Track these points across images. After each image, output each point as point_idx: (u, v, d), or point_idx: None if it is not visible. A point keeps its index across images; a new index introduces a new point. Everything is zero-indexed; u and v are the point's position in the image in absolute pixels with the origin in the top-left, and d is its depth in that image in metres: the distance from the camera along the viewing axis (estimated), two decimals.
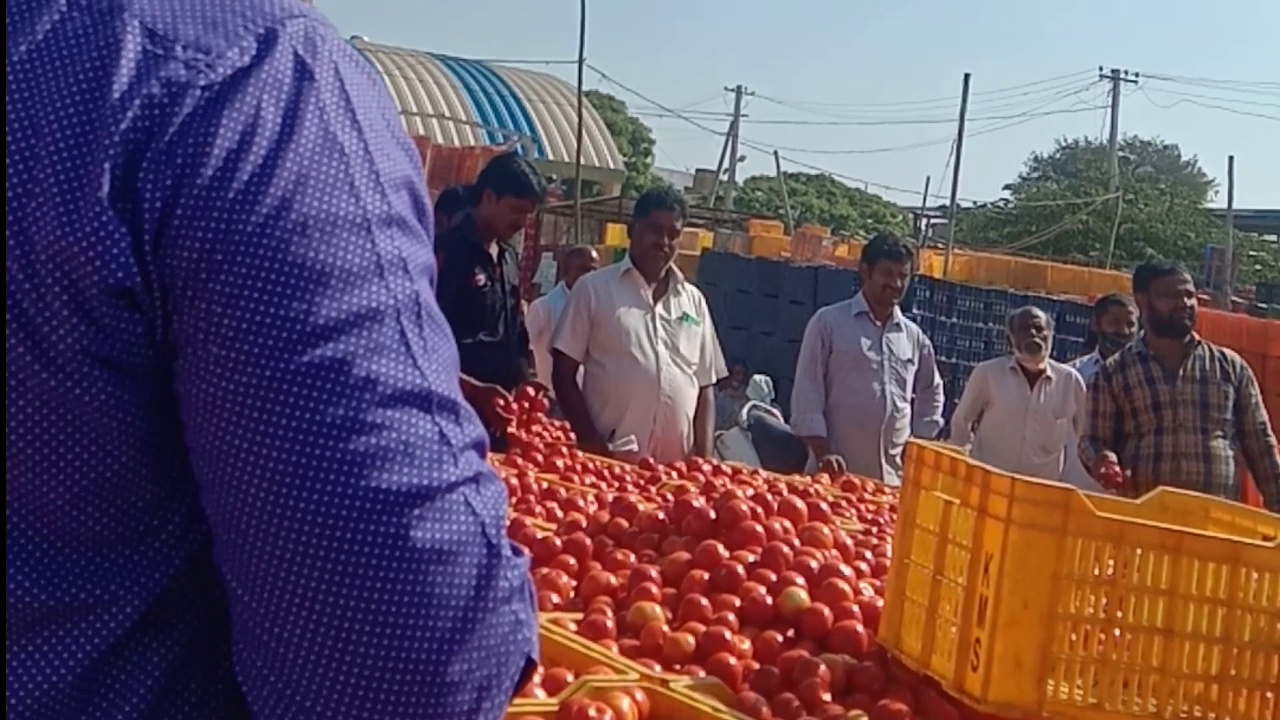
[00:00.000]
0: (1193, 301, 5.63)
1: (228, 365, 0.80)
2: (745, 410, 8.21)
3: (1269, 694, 2.28)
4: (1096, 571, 2.24)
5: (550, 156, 25.69)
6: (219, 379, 0.80)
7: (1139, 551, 2.26)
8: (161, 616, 0.86)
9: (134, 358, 0.81)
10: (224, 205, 0.79)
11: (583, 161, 19.51)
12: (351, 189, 0.83)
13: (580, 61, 19.02)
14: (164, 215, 0.79)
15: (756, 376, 10.45)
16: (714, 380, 5.81)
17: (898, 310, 6.25)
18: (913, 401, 6.24)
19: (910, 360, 6.17)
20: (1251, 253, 31.64)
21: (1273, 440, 5.58)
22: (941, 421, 6.46)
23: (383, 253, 0.83)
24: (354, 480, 0.79)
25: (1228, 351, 5.77)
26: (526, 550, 2.91)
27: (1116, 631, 2.26)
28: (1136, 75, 45.16)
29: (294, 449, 0.79)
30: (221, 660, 0.87)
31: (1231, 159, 23.13)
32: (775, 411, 8.50)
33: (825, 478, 4.98)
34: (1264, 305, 18.22)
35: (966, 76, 21.19)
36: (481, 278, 5.24)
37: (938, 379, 6.44)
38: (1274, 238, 34.80)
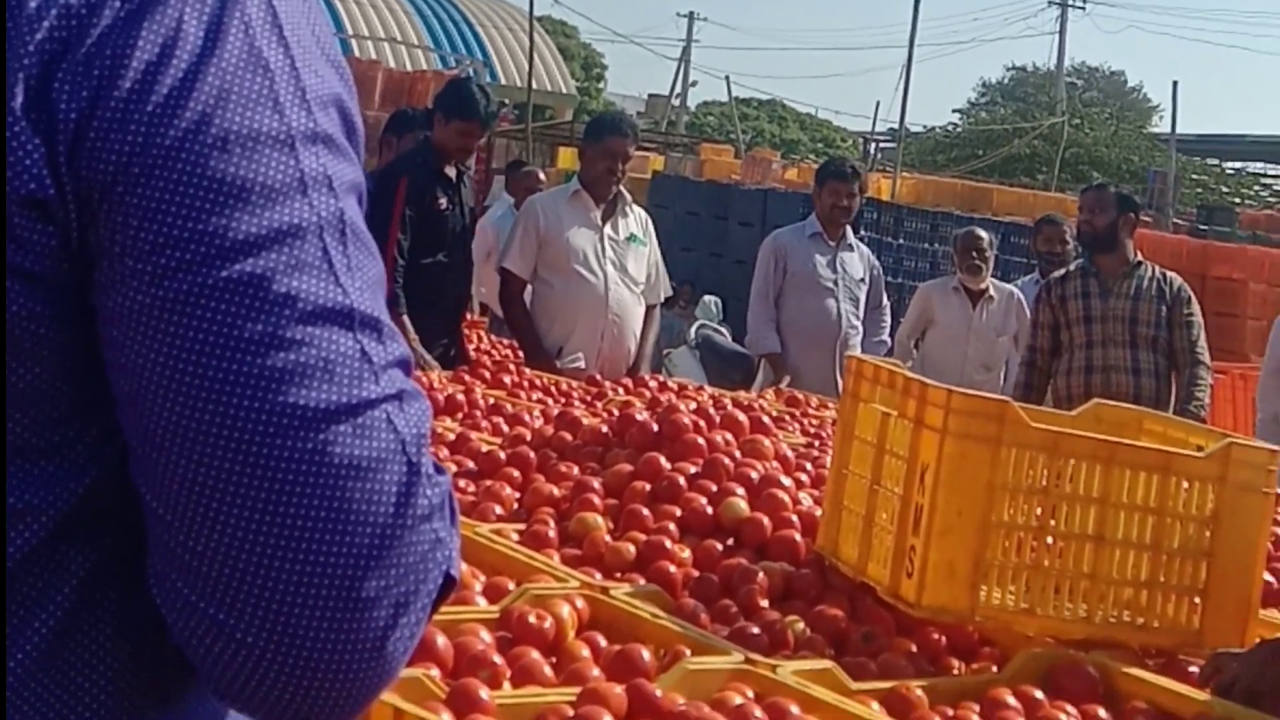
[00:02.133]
0: (1096, 219, 5.73)
1: (144, 279, 0.79)
2: (693, 329, 8.24)
3: (1196, 599, 2.33)
4: (1030, 481, 2.28)
5: (503, 81, 25.42)
6: (135, 293, 0.79)
7: (1072, 461, 2.30)
8: (79, 526, 0.85)
9: (48, 269, 0.80)
10: (142, 118, 0.78)
11: (535, 86, 19.29)
12: (275, 105, 0.82)
13: None
14: (79, 127, 0.78)
15: (705, 297, 10.48)
16: (660, 299, 5.85)
17: (849, 231, 6.36)
18: (861, 322, 6.34)
19: (863, 280, 6.29)
20: (1194, 176, 31.86)
21: (1201, 357, 5.67)
22: (889, 342, 6.56)
23: (306, 169, 0.82)
24: (272, 396, 0.79)
25: (1170, 273, 5.88)
26: (450, 468, 2.89)
27: (1049, 539, 2.30)
28: (1084, 2, 45.26)
29: (211, 364, 0.79)
30: (143, 574, 0.86)
31: (1175, 84, 23.12)
32: (723, 330, 8.53)
33: (770, 393, 5.02)
34: (1204, 227, 18.38)
35: (916, 2, 20.99)
36: (443, 201, 5.26)
37: (885, 300, 6.54)
38: (1216, 161, 35.06)
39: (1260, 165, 37.34)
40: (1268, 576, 2.60)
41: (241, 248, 0.79)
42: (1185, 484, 2.34)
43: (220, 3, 0.82)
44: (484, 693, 1.80)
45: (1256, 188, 35.06)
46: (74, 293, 0.81)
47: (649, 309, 5.68)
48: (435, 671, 1.88)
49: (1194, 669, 2.25)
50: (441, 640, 1.95)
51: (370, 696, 0.85)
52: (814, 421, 4.31)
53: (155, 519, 0.82)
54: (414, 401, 0.85)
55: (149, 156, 0.79)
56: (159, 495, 0.81)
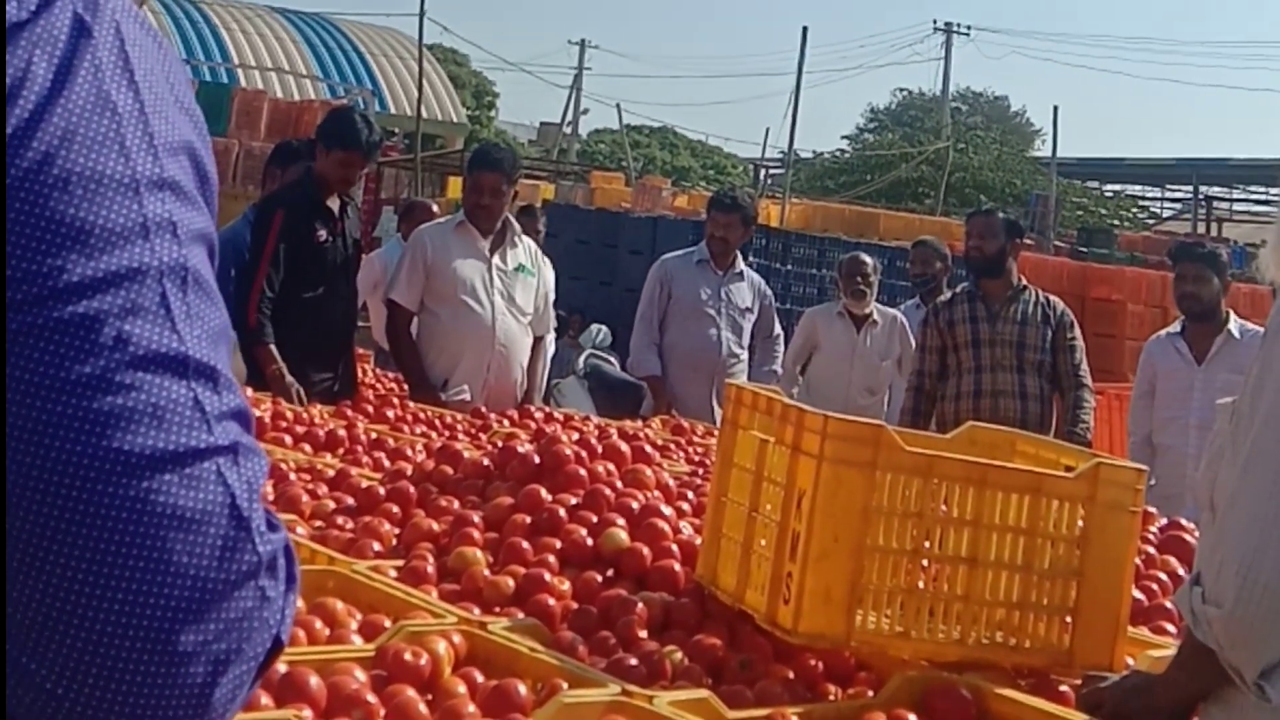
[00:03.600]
0: (985, 244, 5.82)
1: None
2: (582, 358, 8.24)
3: (1067, 618, 2.37)
4: (905, 505, 2.30)
5: (392, 110, 25.32)
6: None
7: (946, 484, 2.33)
8: None
9: None
10: None
11: (425, 115, 19.26)
12: (122, 149, 0.81)
13: (421, 14, 18.76)
14: None
15: (593, 325, 10.49)
16: (549, 330, 5.84)
17: (739, 260, 6.42)
18: (752, 350, 6.40)
19: (749, 309, 6.35)
20: (1074, 199, 32.66)
21: (1085, 380, 5.80)
22: (780, 371, 6.61)
23: (150, 215, 0.82)
24: (96, 439, 0.78)
25: (1053, 298, 6.02)
26: (328, 505, 2.81)
27: (924, 562, 2.32)
28: (969, 28, 46.35)
29: (36, 404, 0.77)
30: None
31: (1056, 109, 23.72)
32: (612, 359, 8.54)
33: (657, 422, 5.04)
34: (1084, 249, 18.83)
35: (804, 30, 21.26)
36: (323, 233, 5.20)
37: (778, 329, 6.60)
38: (1095, 184, 35.95)
39: (1138, 188, 38.41)
40: (1136, 594, 2.65)
41: (76, 289, 0.78)
42: (1055, 504, 2.38)
43: (71, 46, 0.81)
44: None
45: (1134, 210, 36.05)
46: None
47: (537, 340, 5.68)
48: (307, 712, 1.86)
49: (1065, 688, 2.29)
50: (314, 680, 1.92)
51: None
52: (699, 450, 4.32)
53: None
54: (249, 455, 0.84)
55: None
56: None
